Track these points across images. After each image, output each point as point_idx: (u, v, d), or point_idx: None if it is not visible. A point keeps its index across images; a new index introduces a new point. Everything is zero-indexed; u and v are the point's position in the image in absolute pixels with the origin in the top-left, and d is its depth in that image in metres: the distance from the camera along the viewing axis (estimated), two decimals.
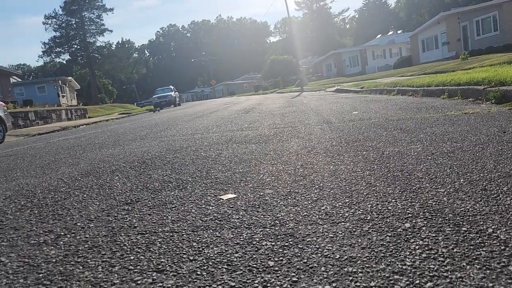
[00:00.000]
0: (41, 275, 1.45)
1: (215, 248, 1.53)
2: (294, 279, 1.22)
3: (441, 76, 9.91)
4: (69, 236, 1.85)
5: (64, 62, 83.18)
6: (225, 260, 1.41)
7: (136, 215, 2.07)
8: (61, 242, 1.77)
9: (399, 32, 60.54)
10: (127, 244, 1.66)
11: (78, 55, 74.45)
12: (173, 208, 2.13)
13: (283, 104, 12.17)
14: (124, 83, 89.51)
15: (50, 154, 5.52)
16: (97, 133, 9.34)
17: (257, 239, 1.57)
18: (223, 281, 1.26)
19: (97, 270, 1.44)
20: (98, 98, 60.65)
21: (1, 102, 12.60)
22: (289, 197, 2.10)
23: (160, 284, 1.29)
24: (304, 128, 5.06)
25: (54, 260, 1.57)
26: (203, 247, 1.55)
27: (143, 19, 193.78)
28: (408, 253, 1.31)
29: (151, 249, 1.59)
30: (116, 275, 1.39)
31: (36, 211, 2.36)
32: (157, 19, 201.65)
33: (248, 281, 1.24)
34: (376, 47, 52.74)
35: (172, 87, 35.58)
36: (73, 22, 70.98)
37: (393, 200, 1.86)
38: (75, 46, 72.88)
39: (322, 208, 1.87)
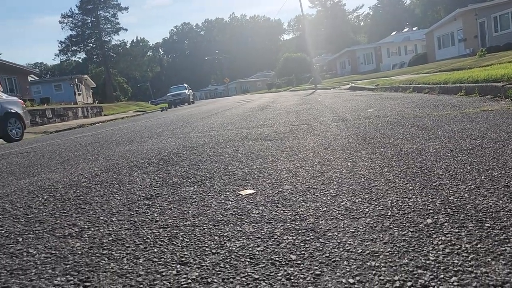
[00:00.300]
0: (68, 266, 1.49)
1: (237, 242, 1.55)
2: (317, 272, 1.24)
3: (458, 73, 9.78)
4: (92, 229, 1.89)
5: (80, 60, 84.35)
6: (248, 254, 1.43)
7: (157, 210, 2.10)
8: (86, 235, 1.81)
9: (414, 29, 59.84)
10: (150, 238, 1.70)
11: (93, 54, 75.46)
12: (193, 203, 2.16)
13: (298, 101, 12.15)
14: (138, 81, 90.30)
15: (69, 151, 5.62)
16: (113, 131, 9.46)
17: (278, 234, 1.59)
18: (246, 274, 1.28)
19: (122, 262, 1.47)
20: (113, 96, 61.35)
21: (20, 100, 12.84)
22: (308, 193, 2.11)
23: (185, 275, 1.31)
24: (319, 126, 5.05)
25: (80, 252, 1.61)
26: (225, 241, 1.57)
27: (157, 17, 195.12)
28: (431, 248, 1.31)
29: (173, 242, 1.62)
30: (141, 266, 1.42)
31: (59, 205, 2.42)
32: (171, 17, 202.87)
33: (271, 274, 1.26)
34: (391, 44, 52.22)
35: (186, 85, 35.78)
36: (89, 21, 71.92)
37: (413, 196, 1.86)
38: (91, 44, 73.85)
39: (342, 203, 1.87)
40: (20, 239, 1.85)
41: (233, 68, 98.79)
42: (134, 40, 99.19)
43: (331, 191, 2.10)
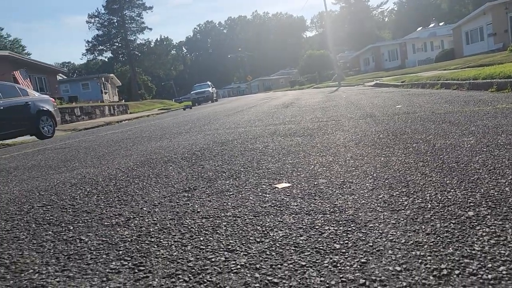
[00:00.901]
0: (120, 252, 1.57)
1: (279, 232, 1.60)
2: (363, 260, 1.27)
3: (489, 68, 9.54)
4: (138, 219, 1.98)
5: (106, 59, 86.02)
6: (291, 242, 1.48)
7: (197, 201, 2.18)
8: (132, 224, 1.90)
9: (441, 24, 58.45)
10: (194, 227, 1.76)
11: (119, 53, 76.93)
12: (231, 196, 2.22)
13: (322, 98, 12.11)
14: (162, 79, 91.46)
15: (102, 147, 5.79)
16: (142, 127, 9.66)
17: (319, 224, 1.63)
18: (293, 261, 1.32)
19: (171, 249, 1.55)
20: (138, 94, 62.39)
21: (51, 98, 13.25)
22: (344, 186, 2.14)
23: (233, 262, 1.37)
24: (348, 122, 5.05)
25: (129, 240, 1.69)
26: (268, 231, 1.62)
27: (181, 16, 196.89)
28: (475, 239, 1.33)
29: (217, 231, 1.68)
30: (189, 253, 1.48)
31: (102, 197, 2.52)
32: (194, 16, 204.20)
33: (317, 261, 1.30)
34: (416, 40, 51.20)
35: (209, 83, 36.09)
36: (115, 21, 73.32)
37: (452, 190, 1.86)
38: (117, 44, 75.30)
39: (380, 196, 1.90)
40: (71, 227, 1.96)
41: (256, 65, 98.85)
42: (158, 39, 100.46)
43: (367, 184, 2.13)
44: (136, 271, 1.38)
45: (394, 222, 1.56)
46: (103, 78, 41.95)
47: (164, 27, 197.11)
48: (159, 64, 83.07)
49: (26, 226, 2.09)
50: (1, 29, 72.99)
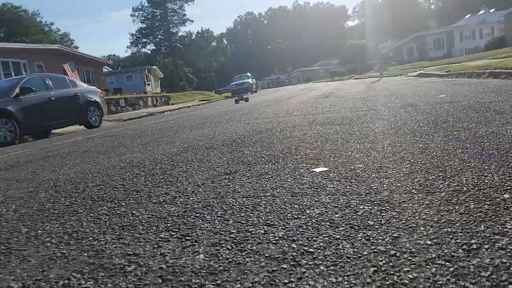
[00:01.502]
0: (169, 224, 1.72)
1: (315, 210, 1.68)
2: (395, 235, 1.34)
3: None
4: (183, 198, 2.13)
5: (149, 52, 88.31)
6: (327, 219, 1.56)
7: (237, 183, 2.30)
8: (178, 202, 2.05)
9: (491, 11, 55.51)
10: (235, 205, 1.88)
11: (161, 45, 78.80)
12: (270, 178, 2.32)
13: (363, 89, 11.95)
14: (203, 71, 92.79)
15: (147, 135, 6.06)
16: (183, 117, 9.96)
17: (354, 204, 1.70)
18: (328, 234, 1.41)
19: (214, 223, 1.67)
20: (179, 86, 63.76)
21: (98, 90, 13.85)
22: (381, 171, 2.19)
23: (272, 234, 1.47)
24: (387, 111, 5.01)
25: (176, 215, 1.84)
26: (305, 209, 1.71)
27: (222, 7, 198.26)
28: (508, 219, 1.36)
29: (257, 209, 1.79)
30: (232, 227, 1.60)
31: (149, 178, 2.70)
32: (235, 7, 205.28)
33: (351, 235, 1.38)
34: (464, 28, 48.99)
35: (249, 74, 36.27)
36: (158, 14, 75.08)
37: (490, 175, 1.88)
38: (159, 36, 77.25)
39: (415, 180, 1.94)
40: (123, 204, 2.13)
41: (296, 56, 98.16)
42: (200, 31, 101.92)
43: (403, 169, 2.16)
44: (183, 240, 1.52)
45: (428, 203, 1.61)
46: (146, 70, 43.18)
47: (205, 19, 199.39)
48: (200, 56, 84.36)
49: (83, 202, 2.29)
50: (52, 24, 76.49)
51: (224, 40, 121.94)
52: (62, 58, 24.76)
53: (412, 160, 2.33)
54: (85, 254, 1.50)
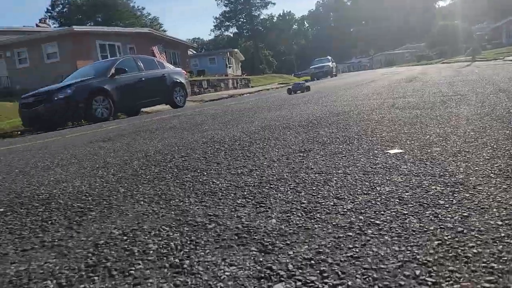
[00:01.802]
0: (245, 193, 1.87)
1: (386, 187, 1.72)
2: (465, 214, 1.35)
3: None
4: (258, 171, 2.27)
5: (231, 35, 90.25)
6: (396, 196, 1.60)
7: (311, 160, 2.39)
8: (254, 174, 2.20)
9: None
10: (308, 180, 1.98)
11: (243, 28, 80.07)
12: (343, 157, 2.38)
13: (450, 73, 11.23)
14: (283, 54, 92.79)
15: (227, 115, 6.34)
16: (262, 99, 10.18)
17: (426, 184, 1.71)
18: (395, 210, 1.46)
19: (287, 194, 1.79)
20: (259, 68, 64.54)
21: (184, 71, 14.59)
22: (459, 155, 2.14)
23: (341, 206, 1.55)
24: (475, 97, 4.72)
25: (252, 185, 1.99)
26: (375, 186, 1.76)
27: None
28: None
29: (328, 184, 1.87)
30: (303, 198, 1.71)
31: (229, 153, 2.90)
32: None
33: (419, 212, 1.42)
34: None
35: (329, 58, 35.65)
36: None
37: None
38: (242, 19, 78.48)
39: (496, 165, 1.88)
40: (205, 173, 2.34)
41: (379, 39, 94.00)
42: (281, 14, 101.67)
43: (484, 154, 2.09)
44: (258, 206, 1.66)
45: (505, 187, 1.57)
46: (228, 53, 44.32)
47: (287, 1, 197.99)
48: (281, 39, 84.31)
49: (170, 170, 2.55)
50: (143, 9, 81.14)
51: (305, 22, 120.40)
52: (152, 41, 26.31)
53: (495, 146, 2.24)
54: (172, 212, 1.71)
